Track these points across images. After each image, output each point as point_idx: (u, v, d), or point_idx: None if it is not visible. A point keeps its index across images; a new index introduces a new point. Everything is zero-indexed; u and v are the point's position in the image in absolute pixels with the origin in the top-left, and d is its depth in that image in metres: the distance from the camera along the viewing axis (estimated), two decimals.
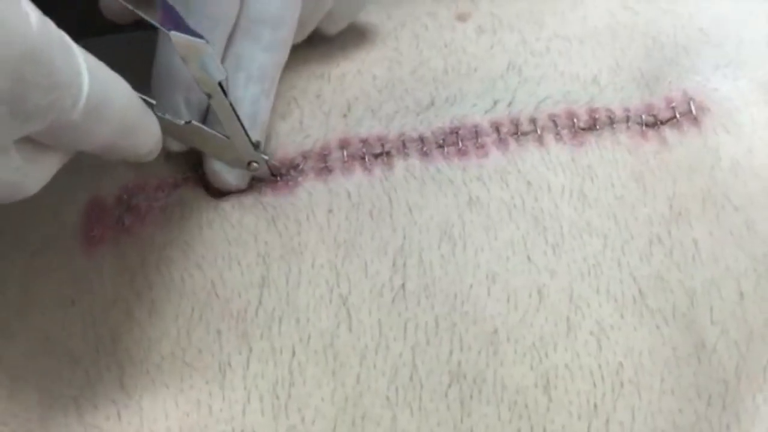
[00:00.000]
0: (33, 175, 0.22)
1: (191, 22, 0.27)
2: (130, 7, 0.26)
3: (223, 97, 0.27)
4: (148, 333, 0.28)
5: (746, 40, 0.33)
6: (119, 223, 0.29)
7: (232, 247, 0.29)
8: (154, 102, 0.26)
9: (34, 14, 0.19)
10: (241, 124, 0.28)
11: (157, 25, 0.26)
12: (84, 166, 0.30)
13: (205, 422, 0.27)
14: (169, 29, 0.26)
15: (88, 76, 0.21)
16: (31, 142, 0.21)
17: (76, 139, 0.22)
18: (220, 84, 0.27)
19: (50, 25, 0.20)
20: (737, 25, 0.34)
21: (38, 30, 0.19)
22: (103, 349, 0.28)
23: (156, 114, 0.26)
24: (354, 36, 0.34)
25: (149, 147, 0.26)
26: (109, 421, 0.27)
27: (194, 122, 0.28)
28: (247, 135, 0.29)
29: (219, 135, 0.28)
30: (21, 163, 0.21)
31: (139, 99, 0.24)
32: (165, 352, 0.28)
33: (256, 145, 0.29)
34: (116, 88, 0.22)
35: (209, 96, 0.27)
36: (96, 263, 0.29)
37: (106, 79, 0.22)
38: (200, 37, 0.26)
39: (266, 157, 0.29)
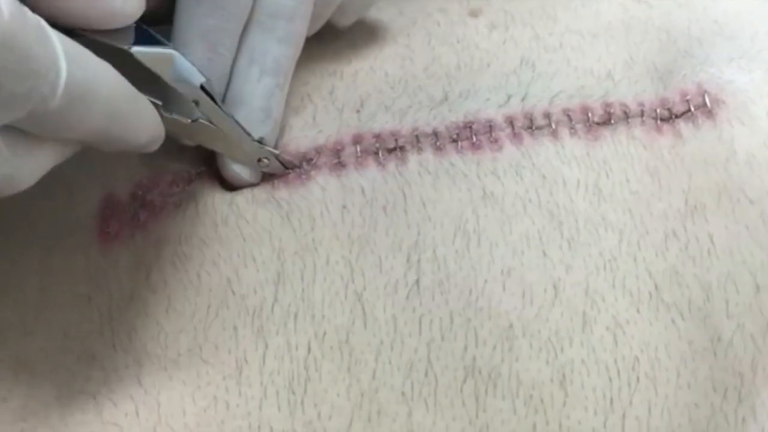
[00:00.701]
0: (24, 167, 0.22)
1: (204, 15, 0.26)
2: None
3: (210, 101, 0.27)
4: (165, 329, 0.28)
5: (761, 31, 0.33)
6: (134, 219, 0.29)
7: (247, 243, 0.29)
8: (159, 102, 0.26)
9: (6, 1, 0.19)
10: (238, 124, 0.28)
11: (112, 43, 0.25)
12: (97, 162, 0.30)
13: (222, 417, 0.27)
14: (129, 46, 0.25)
15: (66, 62, 0.21)
16: (17, 134, 0.21)
17: (60, 126, 0.22)
18: (202, 88, 0.27)
19: (25, 11, 0.20)
20: (752, 16, 0.33)
21: (11, 16, 0.19)
22: (120, 346, 0.28)
23: (161, 114, 0.26)
24: (366, 33, 0.34)
25: (146, 137, 0.25)
26: (127, 418, 0.27)
27: (201, 120, 0.28)
28: (248, 133, 0.28)
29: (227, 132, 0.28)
30: (9, 156, 0.21)
31: (129, 86, 0.24)
32: (182, 348, 0.28)
33: (259, 142, 0.29)
34: (100, 74, 0.22)
35: (196, 103, 0.27)
36: (111, 260, 0.29)
37: (88, 65, 0.22)
38: (166, 44, 0.25)
39: (276, 152, 0.29)
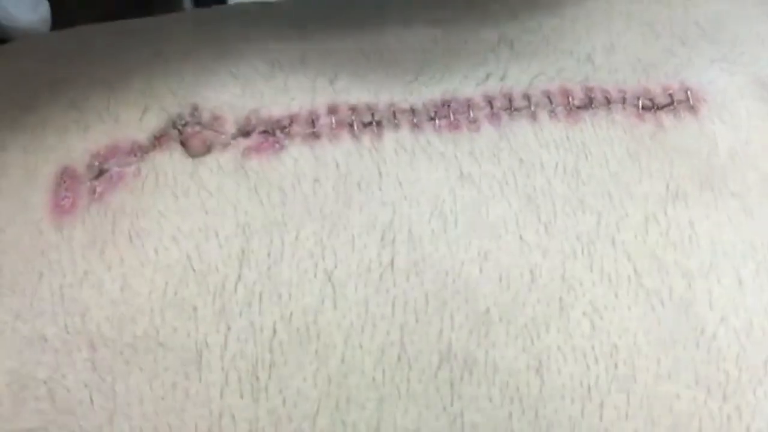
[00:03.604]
0: None
1: None
2: None
3: None
4: (120, 310, 0.27)
5: (741, 35, 0.33)
6: (90, 191, 0.28)
7: (209, 217, 0.27)
8: None
9: None
10: None
11: None
12: (52, 133, 0.28)
13: (181, 405, 0.26)
14: None
15: None
16: None
17: None
18: None
19: None
20: (733, 20, 0.34)
21: None
22: (73, 328, 0.26)
23: None
24: (337, 2, 0.33)
25: None
26: (81, 406, 0.26)
27: None
28: None
29: None
30: None
31: None
32: (138, 331, 0.26)
33: None
34: None
35: None
36: (65, 234, 0.27)
37: None
38: None
39: None
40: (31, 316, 0.27)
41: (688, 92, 0.30)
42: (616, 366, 0.27)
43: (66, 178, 0.28)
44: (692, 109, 0.30)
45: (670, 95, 0.30)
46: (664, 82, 0.31)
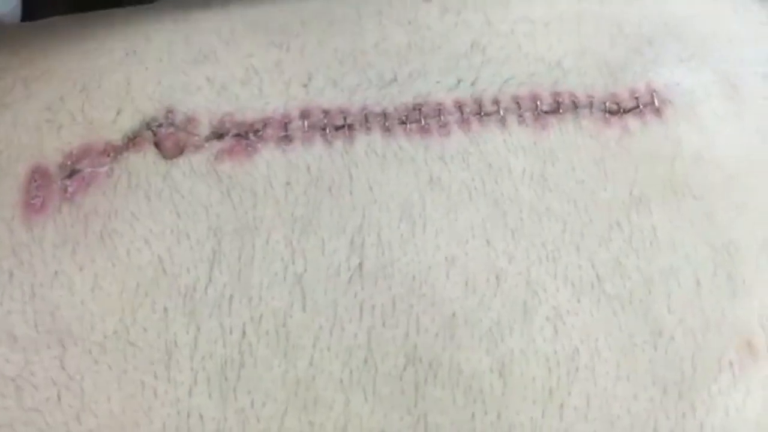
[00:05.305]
0: None
1: None
2: None
3: None
4: (90, 309, 0.27)
5: (709, 35, 0.33)
6: (62, 191, 0.28)
7: (181, 219, 0.27)
8: None
9: None
10: None
11: None
12: (25, 131, 0.28)
13: (149, 404, 0.26)
14: None
15: None
16: None
17: None
18: None
19: None
20: (701, 20, 0.34)
21: None
22: (42, 327, 0.26)
23: None
24: (314, 7, 0.33)
25: None
26: (48, 403, 0.26)
27: None
28: None
29: None
30: None
31: None
32: (108, 330, 0.27)
33: None
34: None
35: None
36: (36, 234, 0.27)
37: None
38: None
39: None
40: (1, 315, 0.27)
41: (654, 94, 0.31)
42: (577, 369, 0.28)
43: (37, 177, 0.28)
44: (658, 111, 0.30)
45: (636, 98, 0.31)
46: (631, 85, 0.31)
